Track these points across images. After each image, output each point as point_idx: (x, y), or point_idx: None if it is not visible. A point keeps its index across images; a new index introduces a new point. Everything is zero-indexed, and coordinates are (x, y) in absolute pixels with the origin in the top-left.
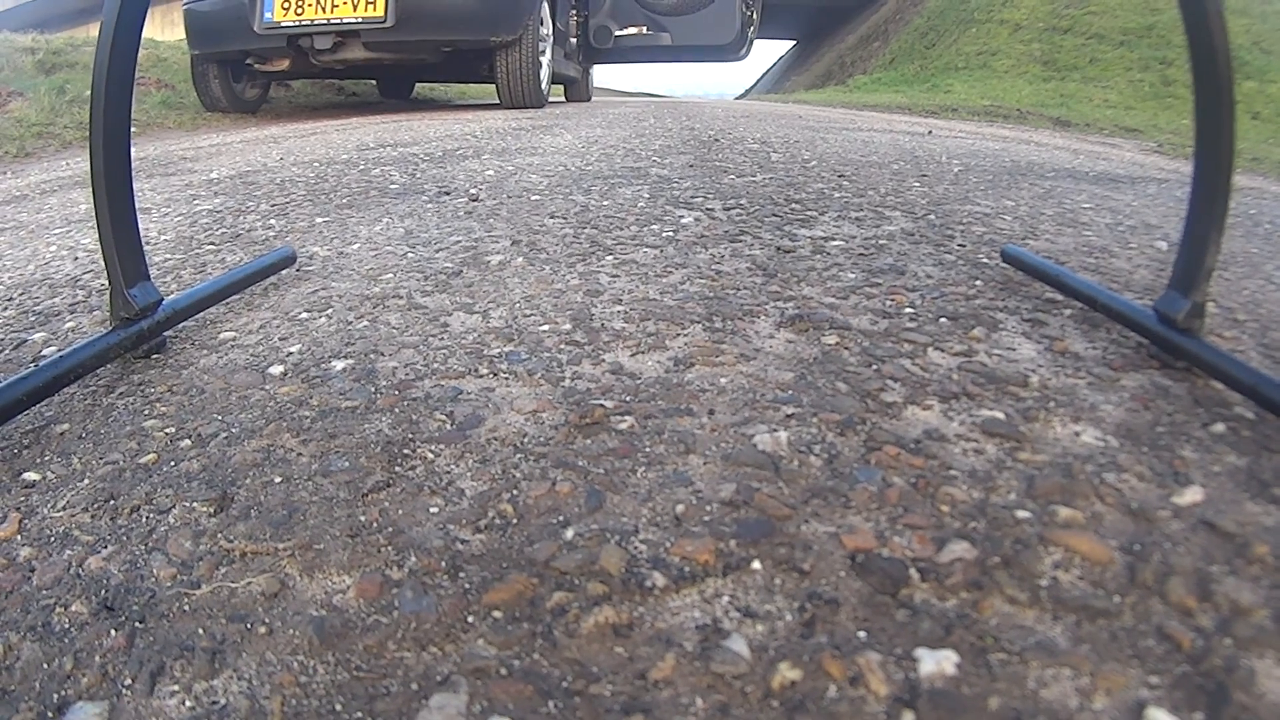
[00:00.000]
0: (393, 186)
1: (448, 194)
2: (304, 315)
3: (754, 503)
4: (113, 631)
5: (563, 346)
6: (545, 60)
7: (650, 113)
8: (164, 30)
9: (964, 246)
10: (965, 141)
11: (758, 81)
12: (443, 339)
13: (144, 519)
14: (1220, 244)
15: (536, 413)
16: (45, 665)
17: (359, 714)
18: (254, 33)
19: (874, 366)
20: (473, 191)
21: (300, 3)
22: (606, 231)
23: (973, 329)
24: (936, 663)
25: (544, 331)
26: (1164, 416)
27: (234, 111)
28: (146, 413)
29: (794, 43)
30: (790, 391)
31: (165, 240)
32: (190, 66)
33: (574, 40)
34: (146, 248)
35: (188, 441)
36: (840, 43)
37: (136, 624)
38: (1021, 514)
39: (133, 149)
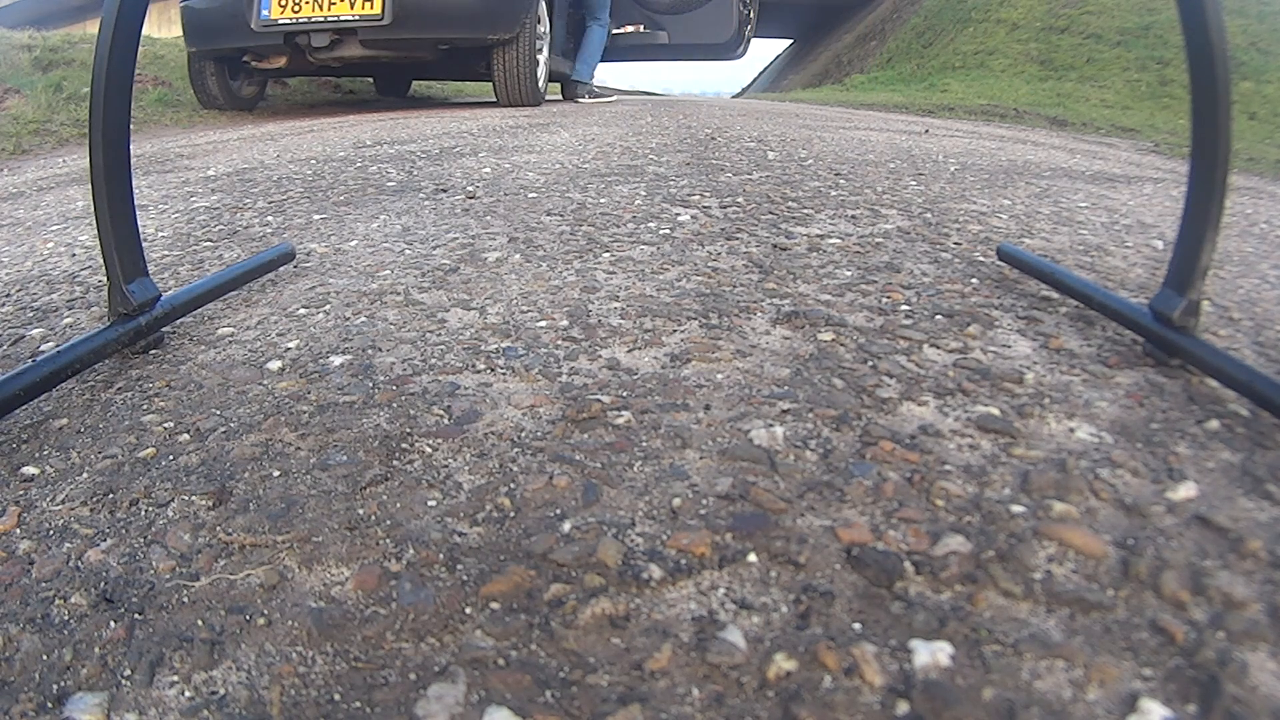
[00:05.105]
0: (390, 184)
1: (445, 191)
2: (302, 311)
3: (750, 496)
4: (112, 623)
5: (559, 342)
6: (542, 58)
7: (647, 111)
8: (161, 28)
9: (960, 244)
10: (962, 140)
11: (754, 80)
12: (440, 335)
13: (143, 512)
14: (1216, 243)
15: (534, 407)
16: (45, 656)
17: (358, 704)
18: (251, 30)
19: (870, 363)
20: (470, 189)
21: (297, 0)
22: (603, 229)
23: (968, 326)
24: (931, 654)
25: (541, 327)
26: (1158, 413)
27: (231, 109)
28: (145, 407)
29: (791, 42)
30: (786, 387)
31: (163, 237)
32: (187, 64)
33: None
34: (144, 244)
35: (186, 436)
36: (837, 42)
37: (136, 615)
38: (1016, 509)
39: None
